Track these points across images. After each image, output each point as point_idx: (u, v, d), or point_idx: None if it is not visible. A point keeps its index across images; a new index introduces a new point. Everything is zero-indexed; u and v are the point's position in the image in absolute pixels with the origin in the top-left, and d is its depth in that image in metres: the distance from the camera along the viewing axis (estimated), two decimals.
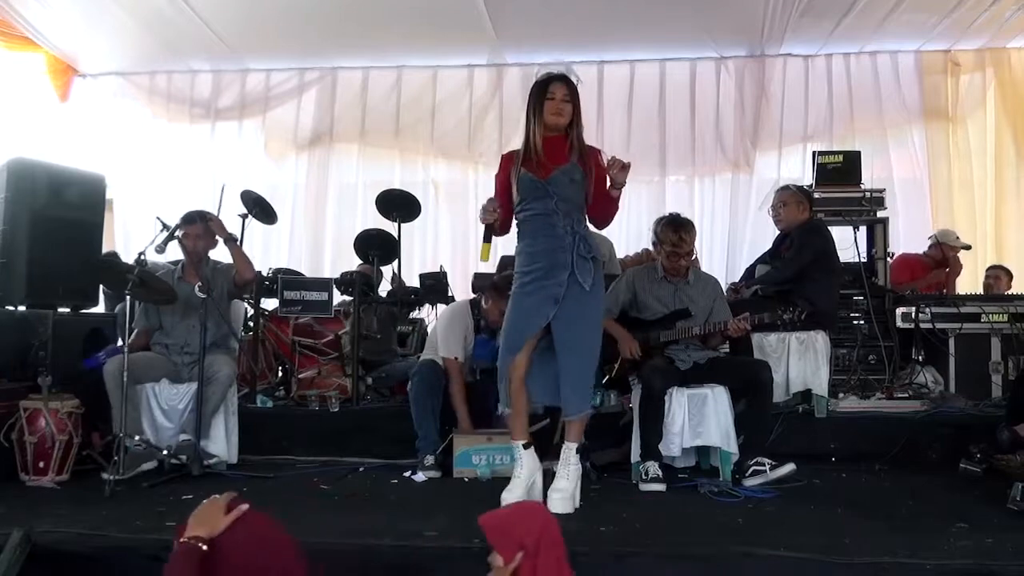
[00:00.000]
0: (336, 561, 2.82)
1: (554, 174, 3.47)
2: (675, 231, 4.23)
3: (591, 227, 3.67)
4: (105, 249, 5.44)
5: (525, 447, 3.55)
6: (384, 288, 6.05)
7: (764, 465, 3.91)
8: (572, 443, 3.53)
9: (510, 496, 3.45)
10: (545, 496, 3.47)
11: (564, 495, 3.43)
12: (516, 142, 3.64)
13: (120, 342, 4.95)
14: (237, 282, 4.70)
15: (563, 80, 3.53)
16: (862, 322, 5.43)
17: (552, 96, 3.50)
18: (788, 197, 5.07)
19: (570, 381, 3.46)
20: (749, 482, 3.90)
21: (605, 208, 3.60)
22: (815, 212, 5.27)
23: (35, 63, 7.35)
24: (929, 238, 6.53)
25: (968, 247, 6.53)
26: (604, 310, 4.23)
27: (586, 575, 2.83)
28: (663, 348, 4.22)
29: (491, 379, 4.44)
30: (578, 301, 3.44)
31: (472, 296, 4.77)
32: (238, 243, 4.89)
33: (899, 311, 5.37)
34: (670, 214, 4.47)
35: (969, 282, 6.87)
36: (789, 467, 3.89)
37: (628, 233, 7.47)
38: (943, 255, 6.38)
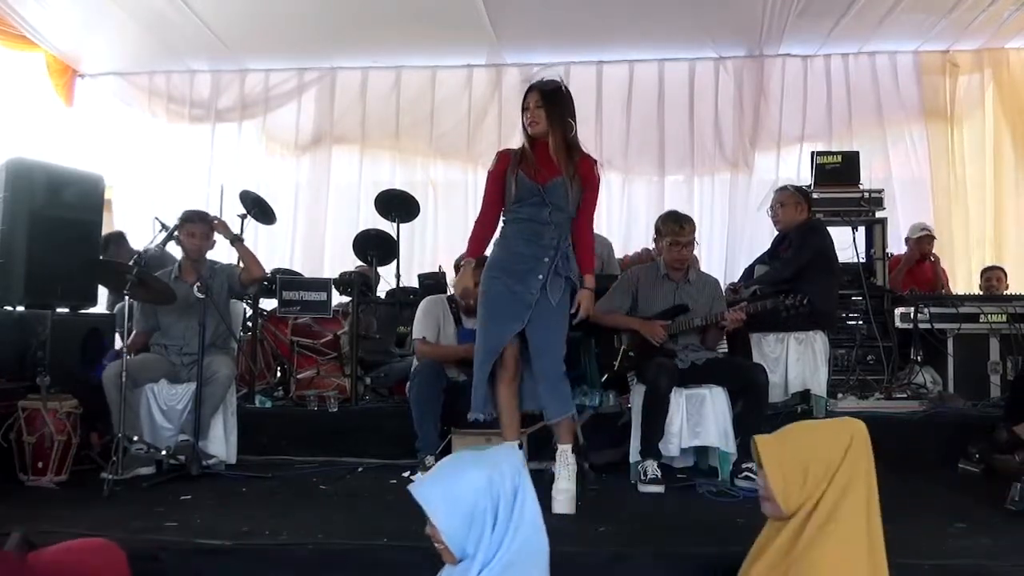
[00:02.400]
0: (335, 561, 2.83)
1: (551, 183, 3.49)
2: (676, 220, 4.28)
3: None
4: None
5: (519, 447, 3.56)
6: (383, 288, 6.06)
7: (755, 473, 3.90)
8: (566, 445, 3.53)
9: None
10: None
11: (568, 496, 3.44)
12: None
13: (118, 343, 4.96)
14: (244, 280, 4.71)
15: (535, 88, 3.57)
16: (861, 322, 5.44)
17: (527, 106, 3.55)
18: (786, 198, 5.07)
19: (548, 384, 3.47)
20: (739, 484, 3.90)
21: (586, 240, 3.60)
22: (813, 212, 5.28)
23: (35, 63, 7.34)
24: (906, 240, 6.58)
25: (931, 234, 6.50)
26: (609, 307, 4.30)
27: (584, 575, 2.84)
28: (662, 344, 4.22)
29: None
30: (547, 310, 3.47)
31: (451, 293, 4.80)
32: (243, 241, 4.89)
33: (898, 311, 5.36)
34: (669, 210, 4.51)
35: (967, 282, 6.88)
36: None
37: (627, 233, 7.48)
38: (918, 249, 6.40)
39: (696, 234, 4.39)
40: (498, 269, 3.54)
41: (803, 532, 2.08)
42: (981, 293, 6.02)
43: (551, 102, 3.52)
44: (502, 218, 3.62)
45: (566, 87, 3.62)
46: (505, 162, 3.59)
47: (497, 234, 3.65)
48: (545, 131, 3.50)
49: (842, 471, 2.09)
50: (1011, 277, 6.53)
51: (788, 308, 4.14)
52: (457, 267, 4.55)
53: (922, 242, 6.42)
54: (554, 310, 3.48)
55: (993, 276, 6.45)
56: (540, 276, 3.46)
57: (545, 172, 3.49)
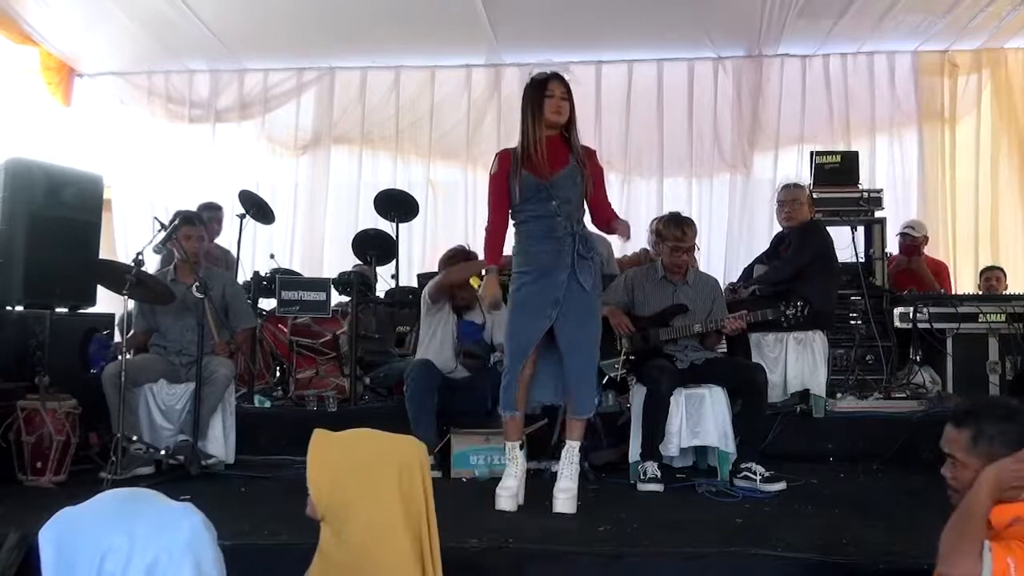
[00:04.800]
0: None
1: (556, 177, 3.47)
2: (678, 225, 4.24)
3: (591, 227, 3.68)
4: (104, 252, 5.43)
5: (520, 447, 3.58)
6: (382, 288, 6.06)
7: (755, 474, 3.90)
8: (576, 442, 3.53)
9: (505, 493, 3.47)
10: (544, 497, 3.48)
11: (570, 495, 3.44)
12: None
13: (117, 337, 4.97)
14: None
15: (560, 79, 3.52)
16: (860, 322, 5.43)
17: (551, 94, 3.48)
18: (805, 196, 5.07)
19: (578, 380, 3.47)
20: (738, 483, 3.91)
21: (605, 211, 3.64)
22: (813, 212, 5.28)
23: (30, 60, 7.31)
24: None
25: (908, 232, 6.46)
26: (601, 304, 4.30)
27: (584, 575, 2.84)
28: (661, 347, 4.22)
29: (484, 373, 4.47)
30: (579, 300, 3.45)
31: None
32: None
33: (897, 311, 5.36)
34: (670, 212, 4.49)
35: (971, 282, 6.88)
36: (780, 486, 3.86)
37: None
38: (911, 245, 6.37)
39: (697, 237, 4.40)
40: (523, 273, 3.54)
41: (332, 543, 1.92)
42: (981, 293, 6.02)
43: (571, 94, 3.54)
44: (511, 221, 3.61)
45: None
46: (507, 164, 3.56)
47: (513, 241, 3.64)
48: (565, 122, 3.52)
49: (378, 488, 1.91)
50: (1009, 277, 6.53)
51: (789, 319, 4.14)
52: (444, 263, 4.64)
53: (904, 239, 6.38)
54: (588, 296, 3.46)
55: (992, 276, 6.45)
56: (565, 267, 3.45)
57: (550, 166, 3.47)
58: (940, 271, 6.58)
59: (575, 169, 3.49)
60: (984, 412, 2.00)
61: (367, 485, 1.92)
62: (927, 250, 6.67)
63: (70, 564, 1.46)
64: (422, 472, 2.00)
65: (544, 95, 3.47)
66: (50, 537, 1.52)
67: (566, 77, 3.57)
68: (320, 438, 2.00)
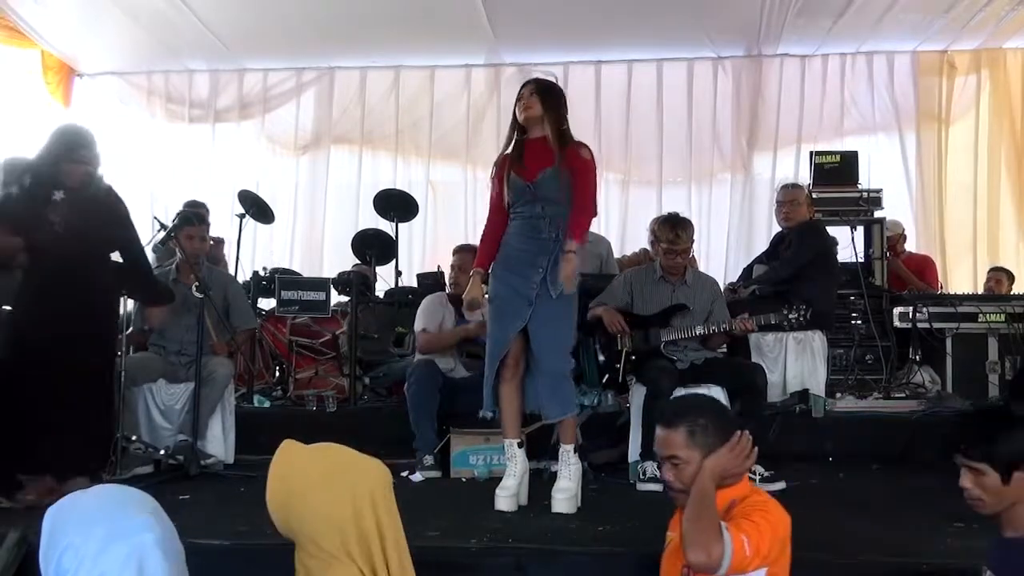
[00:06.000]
0: None
1: (540, 176, 3.49)
2: (671, 228, 4.24)
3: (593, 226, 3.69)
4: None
5: (519, 445, 3.57)
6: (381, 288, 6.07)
7: (755, 474, 3.89)
8: (568, 445, 3.53)
9: (504, 493, 3.47)
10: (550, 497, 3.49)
11: (568, 495, 3.44)
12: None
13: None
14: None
15: (531, 81, 3.66)
16: (859, 322, 5.44)
17: (521, 96, 3.57)
18: (803, 197, 5.08)
19: (548, 383, 3.47)
20: None
21: (578, 219, 3.51)
22: (813, 212, 5.29)
23: (31, 61, 7.31)
24: None
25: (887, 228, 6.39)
26: (598, 304, 4.31)
27: (583, 575, 2.84)
28: (662, 347, 4.22)
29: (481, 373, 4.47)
30: (547, 305, 3.46)
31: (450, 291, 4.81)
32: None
33: (896, 311, 5.37)
34: (668, 213, 4.48)
35: (968, 282, 6.88)
36: (779, 485, 3.85)
37: (626, 233, 7.49)
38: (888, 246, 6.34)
39: (695, 235, 4.39)
40: (501, 268, 3.57)
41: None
42: (982, 292, 6.02)
43: (546, 93, 3.56)
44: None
45: (559, 88, 3.69)
46: (502, 168, 3.61)
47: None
48: (539, 116, 3.51)
49: (329, 510, 1.77)
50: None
51: (792, 322, 4.14)
52: (454, 266, 4.67)
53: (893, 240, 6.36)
54: (555, 304, 3.46)
55: (993, 277, 6.46)
56: (540, 270, 3.45)
57: (534, 167, 3.50)
58: (926, 266, 6.55)
59: (556, 169, 3.49)
60: (689, 409, 2.23)
61: (318, 506, 1.78)
62: (924, 248, 6.65)
63: (46, 551, 1.49)
64: (385, 501, 1.82)
65: (517, 99, 3.59)
66: (48, 519, 1.55)
67: (541, 75, 3.63)
68: (282, 453, 1.93)
